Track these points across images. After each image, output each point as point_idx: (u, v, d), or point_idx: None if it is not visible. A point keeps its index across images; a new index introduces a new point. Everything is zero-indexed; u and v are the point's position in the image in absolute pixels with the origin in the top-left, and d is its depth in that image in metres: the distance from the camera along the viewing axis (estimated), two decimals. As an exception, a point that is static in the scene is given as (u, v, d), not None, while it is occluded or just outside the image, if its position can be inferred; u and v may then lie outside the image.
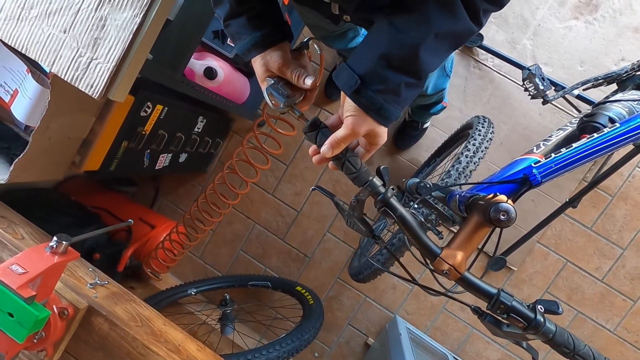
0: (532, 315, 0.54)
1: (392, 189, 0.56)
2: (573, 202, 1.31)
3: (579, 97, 1.10)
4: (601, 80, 0.94)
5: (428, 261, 0.61)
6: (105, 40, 0.62)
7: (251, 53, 0.57)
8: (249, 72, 1.36)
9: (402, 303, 1.61)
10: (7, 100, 0.80)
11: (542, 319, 0.54)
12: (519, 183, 0.60)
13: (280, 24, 0.57)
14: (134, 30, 0.62)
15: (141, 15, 0.61)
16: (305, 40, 0.59)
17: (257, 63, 0.57)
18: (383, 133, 0.55)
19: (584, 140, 0.61)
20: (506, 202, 0.50)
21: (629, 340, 1.49)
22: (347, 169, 0.57)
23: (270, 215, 1.65)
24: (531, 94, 0.99)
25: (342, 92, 0.52)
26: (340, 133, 0.53)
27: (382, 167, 0.58)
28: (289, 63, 0.56)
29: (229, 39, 1.19)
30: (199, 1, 0.84)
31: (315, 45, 0.60)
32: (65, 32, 0.63)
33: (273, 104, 0.57)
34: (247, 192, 1.40)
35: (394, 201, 0.55)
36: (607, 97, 0.88)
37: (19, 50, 0.65)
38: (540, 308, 0.55)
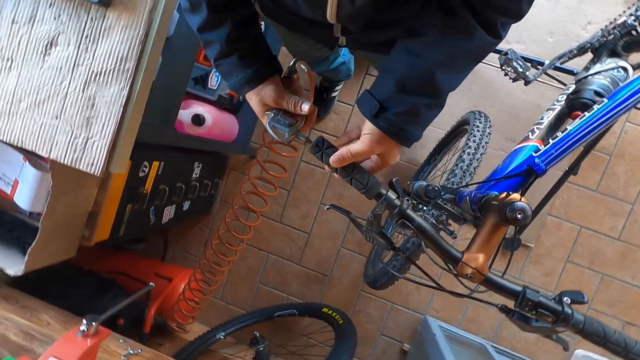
0: (560, 308, 0.54)
1: (407, 200, 0.57)
2: (573, 169, 1.32)
3: (557, 69, 1.12)
4: (575, 52, 0.97)
5: (450, 266, 0.62)
6: (97, 118, 0.63)
7: (244, 89, 0.59)
8: (234, 110, 1.38)
9: (429, 302, 1.61)
10: (8, 192, 0.81)
11: (570, 311, 0.54)
12: (525, 175, 0.61)
13: (270, 59, 0.59)
14: (123, 102, 0.63)
15: (128, 87, 0.62)
16: (292, 64, 0.61)
17: (254, 100, 0.59)
18: (397, 154, 0.58)
19: (577, 121, 0.63)
20: (520, 200, 0.50)
21: (658, 292, 1.49)
22: (356, 185, 0.58)
23: (282, 242, 1.65)
24: (511, 77, 1.02)
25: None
26: (354, 147, 0.55)
27: (394, 179, 0.59)
28: (282, 94, 0.58)
29: (209, 83, 1.21)
30: (177, 56, 0.86)
31: (302, 66, 0.62)
32: (57, 117, 0.64)
33: (278, 136, 0.59)
34: (257, 224, 1.39)
35: (410, 212, 0.56)
36: (586, 68, 0.90)
37: (15, 144, 0.66)
38: (567, 300, 0.56)
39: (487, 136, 0.95)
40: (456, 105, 1.49)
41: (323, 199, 1.62)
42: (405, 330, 1.62)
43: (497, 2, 0.47)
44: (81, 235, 0.91)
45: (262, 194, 1.15)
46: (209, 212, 1.66)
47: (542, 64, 1.11)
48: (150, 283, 0.78)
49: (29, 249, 0.75)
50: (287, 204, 1.63)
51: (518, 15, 0.49)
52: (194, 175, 1.33)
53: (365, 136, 0.54)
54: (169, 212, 1.25)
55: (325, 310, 1.45)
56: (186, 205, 1.36)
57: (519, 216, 0.50)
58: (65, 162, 0.65)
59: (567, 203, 1.50)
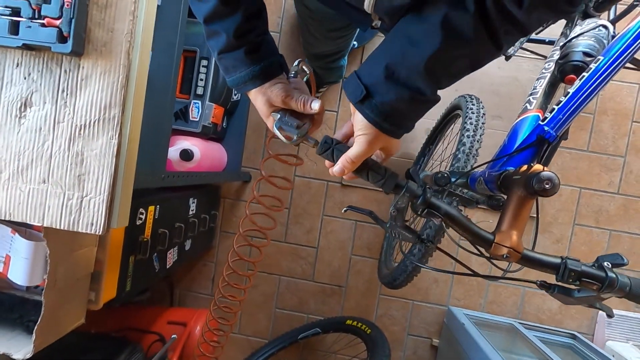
0: (604, 274, 0.52)
1: (429, 187, 0.55)
2: (563, 134, 1.34)
3: (533, 40, 1.14)
4: (550, 22, 0.98)
5: (482, 249, 0.60)
6: (89, 173, 0.59)
7: (247, 86, 0.56)
8: (219, 137, 1.34)
9: (449, 293, 1.59)
10: (1, 270, 0.74)
11: (614, 275, 0.53)
12: (537, 145, 0.60)
13: (277, 57, 0.56)
14: (115, 152, 0.59)
15: (117, 136, 0.58)
16: (296, 64, 0.59)
17: (260, 100, 0.56)
18: (397, 144, 0.54)
19: (577, 83, 0.63)
20: (544, 170, 0.49)
21: (665, 237, 1.52)
22: (372, 178, 0.55)
23: (291, 262, 1.61)
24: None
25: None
26: (352, 153, 0.52)
27: (411, 169, 0.57)
28: (291, 93, 0.55)
29: (190, 115, 1.17)
30: (157, 93, 0.82)
31: (304, 67, 0.60)
32: (44, 181, 0.59)
33: (286, 138, 0.56)
34: (268, 244, 1.35)
35: (436, 200, 0.54)
36: (564, 34, 0.91)
37: (3, 218, 0.61)
38: (607, 264, 0.54)
39: (482, 117, 0.94)
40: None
41: (324, 211, 1.59)
42: (432, 326, 1.60)
43: (510, 10, 0.42)
44: (88, 299, 0.85)
45: (270, 209, 1.11)
46: (211, 246, 1.60)
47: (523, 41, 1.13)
48: (173, 335, 0.73)
49: (35, 327, 0.69)
50: (290, 222, 1.60)
51: (523, 30, 0.45)
52: (191, 212, 1.28)
53: (359, 137, 0.51)
54: (172, 256, 1.19)
55: (349, 322, 1.41)
56: (188, 244, 1.30)
57: (547, 186, 0.49)
58: (62, 227, 0.60)
59: (563, 168, 1.52)
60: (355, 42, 1.35)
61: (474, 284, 1.57)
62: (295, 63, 0.60)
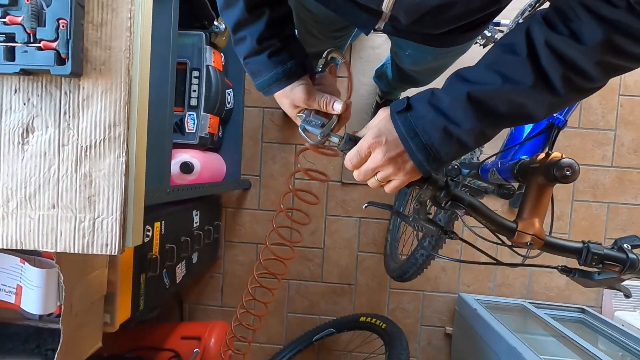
0: (625, 256, 0.53)
1: (451, 179, 0.55)
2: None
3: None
4: (534, 3, 0.99)
5: (503, 238, 0.61)
6: (99, 194, 0.58)
7: (272, 89, 0.56)
8: (217, 147, 1.34)
9: (458, 280, 1.60)
10: (13, 301, 0.73)
11: (635, 256, 0.54)
12: (547, 131, 0.61)
13: (302, 58, 0.56)
14: (124, 170, 0.58)
15: (124, 154, 0.58)
16: (325, 56, 0.59)
17: (285, 103, 0.57)
18: (405, 175, 0.51)
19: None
20: (562, 157, 0.50)
21: (661, 205, 1.55)
22: None
23: (299, 265, 1.60)
24: (481, 44, 1.03)
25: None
26: (357, 149, 0.50)
27: None
28: (313, 94, 0.55)
29: (187, 127, 1.16)
30: (156, 108, 0.81)
31: (334, 55, 0.60)
32: (54, 207, 0.58)
33: (310, 138, 0.57)
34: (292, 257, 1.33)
35: (459, 192, 0.55)
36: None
37: (14, 248, 0.59)
38: (627, 246, 0.55)
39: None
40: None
41: (327, 211, 1.59)
42: (444, 314, 1.61)
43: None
44: (103, 321, 0.83)
45: (297, 223, 1.11)
46: (217, 257, 1.59)
47: (505, 25, 1.14)
48: (196, 350, 0.73)
49: (56, 355, 0.68)
50: (294, 225, 1.59)
51: (599, 84, 0.44)
52: (195, 225, 1.27)
53: (369, 131, 0.50)
54: (181, 270, 1.18)
55: (363, 319, 1.41)
56: (195, 257, 1.29)
57: (567, 173, 0.50)
58: (76, 251, 0.59)
59: (557, 147, 1.54)
60: None
61: (482, 269, 1.59)
62: (324, 54, 0.60)
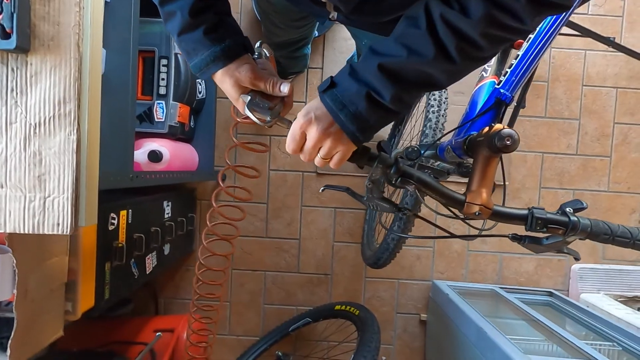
0: (567, 219, 0.57)
1: (400, 157, 0.57)
2: (521, 103, 1.40)
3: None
4: None
5: (456, 210, 0.63)
6: (49, 173, 0.57)
7: (210, 69, 0.54)
8: (188, 138, 1.32)
9: (432, 267, 1.63)
10: (-34, 289, 0.71)
11: (576, 219, 0.57)
12: (495, 107, 0.63)
13: (240, 36, 0.55)
14: (75, 148, 0.57)
15: (75, 131, 0.57)
16: (258, 45, 0.59)
17: (227, 82, 0.55)
18: (343, 148, 0.53)
19: (525, 45, 0.66)
20: (503, 128, 0.52)
21: (622, 190, 1.62)
22: None
23: (275, 256, 1.60)
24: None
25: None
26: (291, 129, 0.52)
27: (381, 141, 0.59)
28: (260, 74, 0.55)
29: (155, 116, 1.15)
30: (116, 93, 0.80)
31: (265, 49, 0.60)
32: (2, 186, 0.57)
33: (259, 119, 0.56)
34: (239, 243, 1.34)
35: (408, 168, 0.56)
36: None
37: (-39, 229, 0.58)
38: (569, 210, 0.59)
39: (445, 92, 0.98)
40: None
41: (302, 201, 1.59)
42: (419, 301, 1.64)
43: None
44: (64, 310, 0.82)
45: (232, 219, 1.12)
46: (192, 250, 1.58)
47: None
48: (158, 333, 0.72)
49: (9, 342, 0.66)
50: (269, 217, 1.59)
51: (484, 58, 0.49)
52: (166, 216, 1.25)
53: (298, 114, 0.52)
54: (151, 261, 1.17)
55: (337, 307, 1.42)
56: (167, 249, 1.28)
57: (508, 142, 0.52)
58: (26, 230, 0.58)
59: (524, 135, 1.59)
60: (316, 31, 1.36)
61: (455, 256, 1.63)
62: (257, 45, 0.60)
